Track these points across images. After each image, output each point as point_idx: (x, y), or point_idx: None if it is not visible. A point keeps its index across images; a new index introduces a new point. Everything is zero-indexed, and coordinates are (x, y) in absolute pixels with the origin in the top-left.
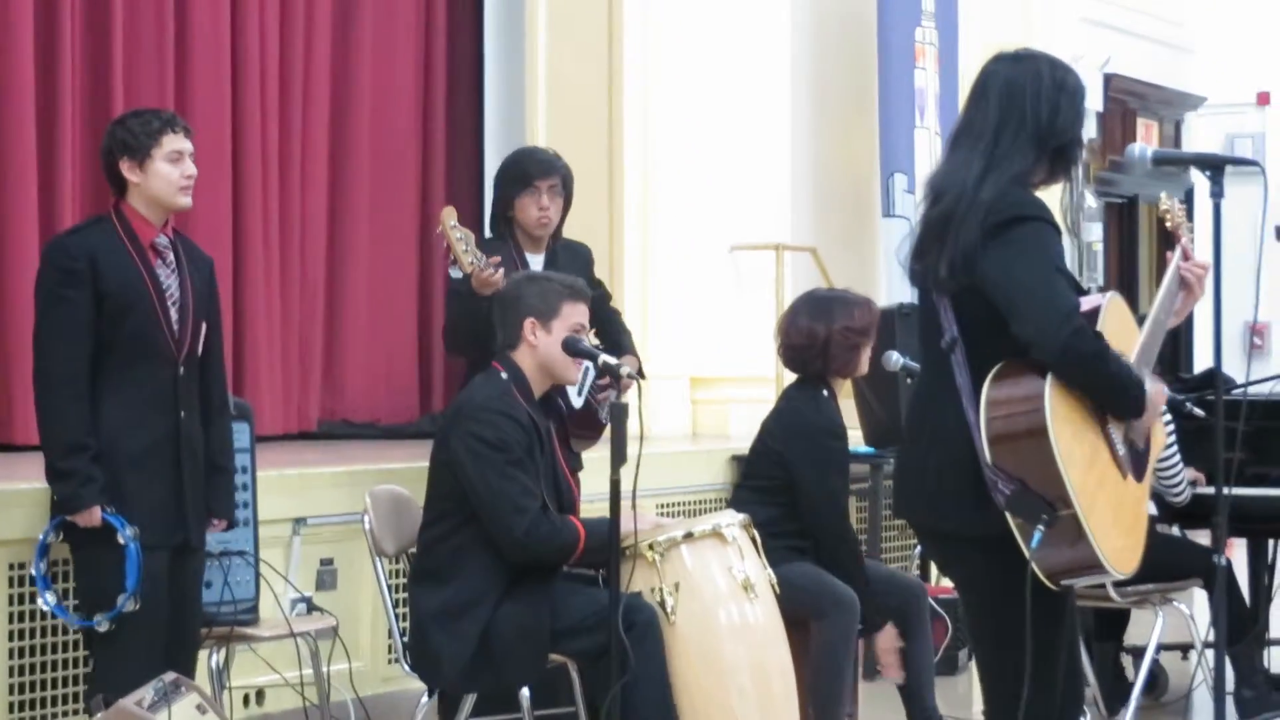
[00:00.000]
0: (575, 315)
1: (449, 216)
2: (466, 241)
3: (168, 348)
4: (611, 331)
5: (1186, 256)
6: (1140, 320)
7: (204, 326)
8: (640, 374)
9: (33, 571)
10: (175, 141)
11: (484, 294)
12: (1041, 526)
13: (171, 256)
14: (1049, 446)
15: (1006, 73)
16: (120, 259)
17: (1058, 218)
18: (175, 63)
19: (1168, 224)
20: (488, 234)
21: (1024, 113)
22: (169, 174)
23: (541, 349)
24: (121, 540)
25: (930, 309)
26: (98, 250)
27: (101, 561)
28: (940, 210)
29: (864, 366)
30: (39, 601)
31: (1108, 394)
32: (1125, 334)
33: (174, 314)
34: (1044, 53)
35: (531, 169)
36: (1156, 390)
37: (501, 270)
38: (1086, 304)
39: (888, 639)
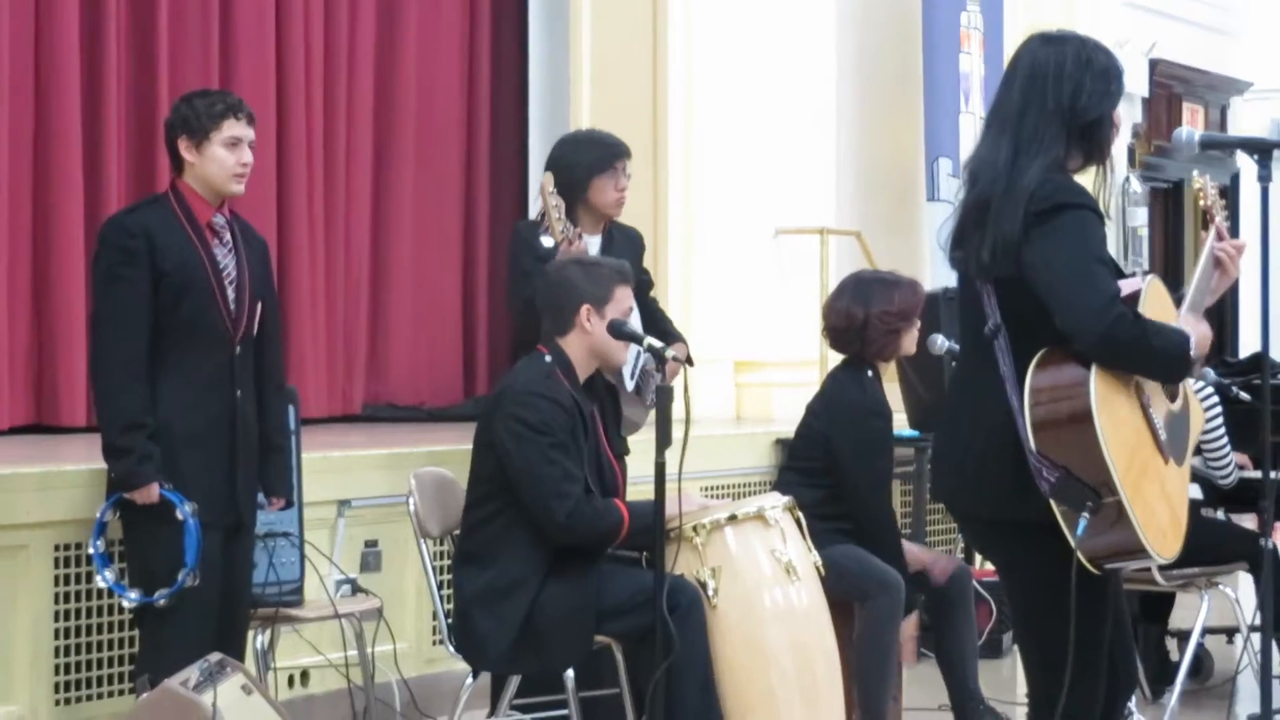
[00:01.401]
0: (626, 299)
1: (549, 182)
2: (560, 209)
3: (224, 327)
4: (658, 320)
5: (1220, 236)
6: (1178, 301)
7: (260, 306)
8: (689, 360)
9: (90, 550)
10: (235, 127)
11: None
12: (1086, 514)
13: (228, 236)
14: (1093, 433)
15: (1035, 53)
16: (177, 238)
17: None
18: (220, 49)
19: (1201, 204)
20: (532, 215)
21: (1046, 94)
22: (224, 159)
23: (596, 335)
24: (180, 516)
25: (971, 295)
26: (155, 229)
27: (159, 538)
28: (976, 195)
29: (907, 348)
30: (97, 580)
31: (1160, 370)
32: (1164, 315)
33: (231, 294)
34: (1079, 34)
35: (612, 150)
36: (1201, 334)
37: (584, 240)
38: (1126, 287)
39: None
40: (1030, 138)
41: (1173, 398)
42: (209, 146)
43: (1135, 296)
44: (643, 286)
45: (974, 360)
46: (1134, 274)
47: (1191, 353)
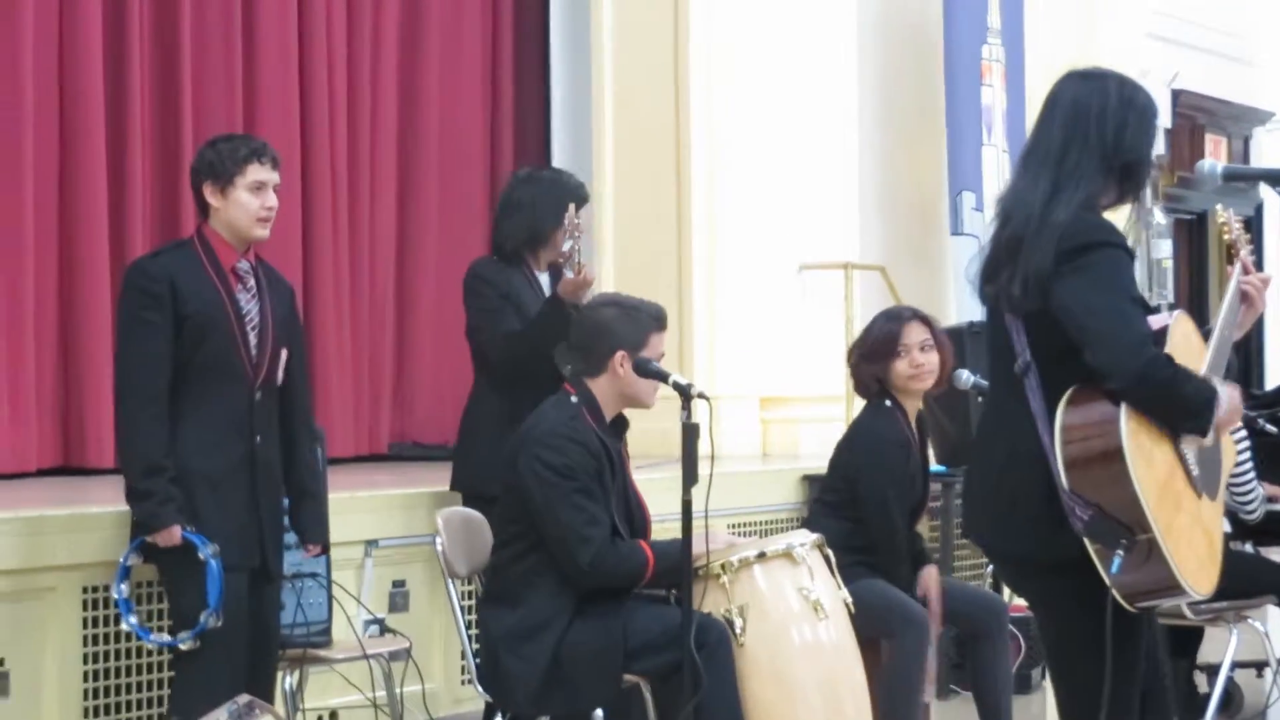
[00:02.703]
0: (660, 345)
1: (572, 210)
2: (579, 244)
3: (245, 372)
4: None
5: (1246, 270)
6: (1206, 335)
7: (284, 353)
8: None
9: (114, 595)
10: (260, 172)
11: (576, 300)
12: (1121, 551)
13: (252, 282)
14: (1125, 471)
15: (1074, 91)
16: (201, 282)
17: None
18: (244, 83)
19: (1225, 237)
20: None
21: (1089, 131)
22: (248, 204)
23: (626, 380)
24: (202, 557)
25: (1000, 330)
26: (178, 273)
27: (183, 581)
28: (1010, 231)
29: (900, 376)
30: (122, 624)
31: (1183, 417)
32: (1190, 350)
33: (253, 339)
34: (1115, 71)
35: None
36: (1232, 396)
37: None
38: (1154, 323)
39: (929, 577)
40: (1070, 175)
41: (1204, 433)
42: (233, 191)
43: (1163, 332)
44: None
45: (1003, 397)
46: (1158, 307)
47: (1218, 411)
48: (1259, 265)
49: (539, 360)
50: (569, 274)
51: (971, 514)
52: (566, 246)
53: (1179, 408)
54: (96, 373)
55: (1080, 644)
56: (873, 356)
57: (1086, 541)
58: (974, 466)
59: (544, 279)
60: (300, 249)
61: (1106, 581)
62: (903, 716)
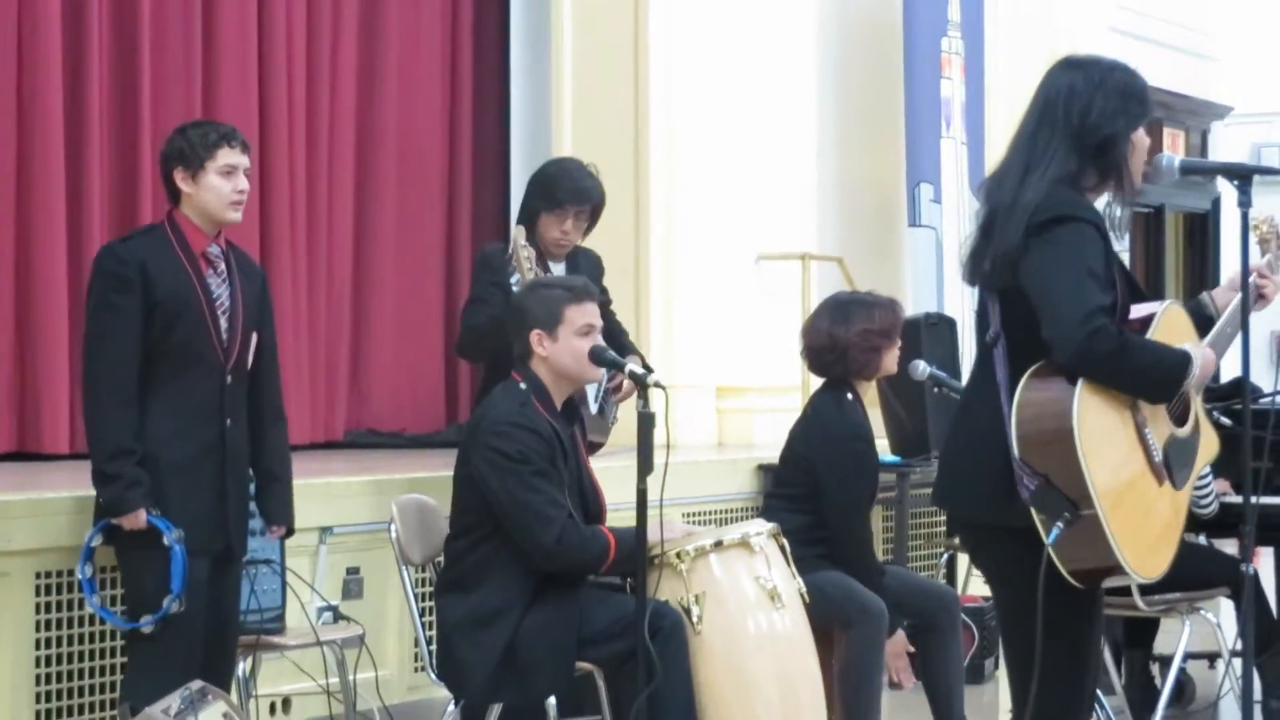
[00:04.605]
0: (581, 317)
1: (520, 235)
2: (531, 260)
3: (215, 357)
4: (616, 334)
5: (1262, 275)
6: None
7: (255, 337)
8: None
9: (78, 575)
10: (230, 155)
11: None
12: (1060, 524)
13: (223, 266)
14: (1073, 451)
15: (1052, 78)
16: (171, 267)
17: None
18: (203, 79)
19: (1256, 236)
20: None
21: (1057, 114)
22: (220, 187)
23: (552, 358)
24: (166, 543)
25: (981, 305)
26: (149, 258)
27: (147, 565)
28: (988, 212)
29: (888, 367)
30: (87, 605)
31: (1138, 386)
32: (1180, 341)
33: (223, 323)
34: (1101, 57)
35: (563, 195)
36: (1206, 357)
37: None
38: (1141, 311)
39: (895, 644)
40: (1040, 155)
41: (1180, 422)
42: (204, 176)
43: (1148, 320)
44: (600, 305)
45: (978, 369)
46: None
47: (1190, 376)
48: (1214, 257)
49: (493, 357)
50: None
51: (939, 480)
52: (526, 269)
53: (1134, 379)
54: (52, 358)
55: (1031, 616)
56: (876, 345)
57: (1033, 511)
58: (949, 436)
59: (559, 268)
60: (257, 239)
61: (1047, 549)
62: (858, 707)
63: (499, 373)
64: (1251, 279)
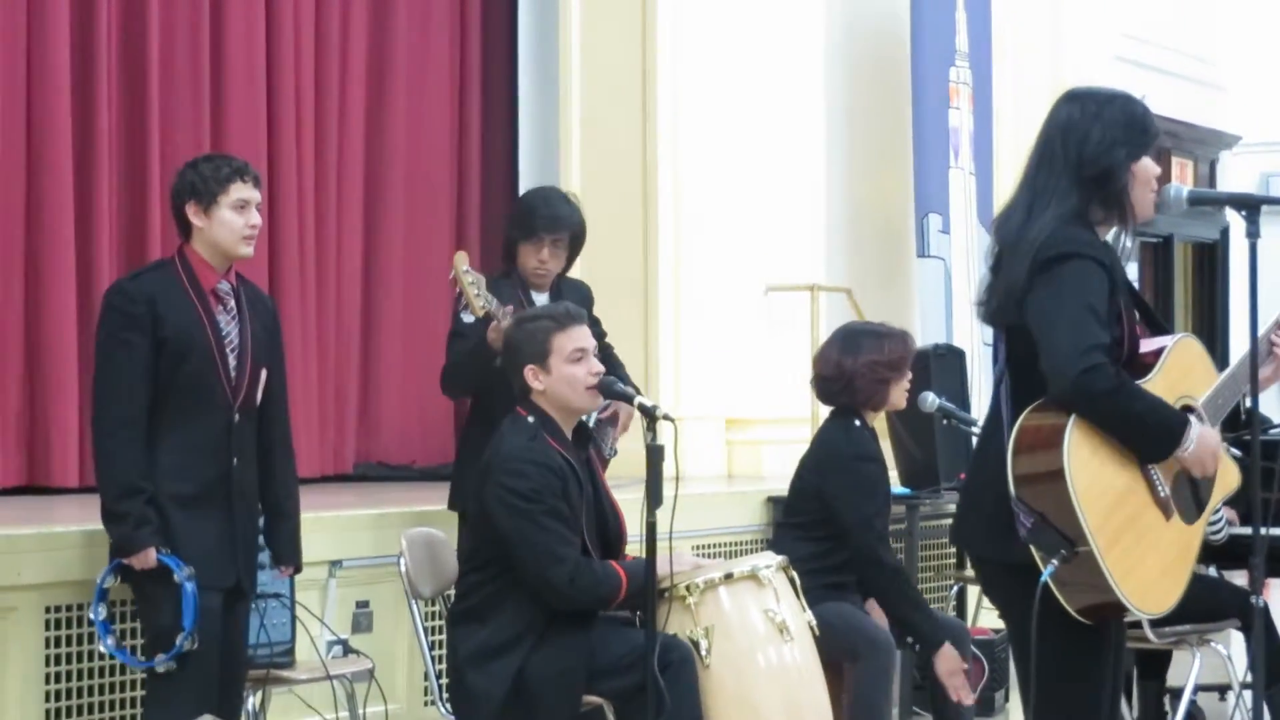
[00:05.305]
0: (570, 343)
1: (461, 261)
2: (479, 285)
3: (223, 395)
4: (614, 367)
5: None
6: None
7: (264, 373)
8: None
9: (92, 616)
10: (243, 190)
11: (496, 348)
12: (1055, 561)
13: (233, 303)
14: (1065, 489)
15: (1053, 111)
16: (180, 304)
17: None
18: (211, 105)
19: None
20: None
21: (1055, 149)
22: (233, 222)
23: (549, 390)
24: (177, 580)
25: (995, 341)
26: (158, 295)
27: (160, 602)
28: (997, 250)
29: (896, 400)
30: (99, 645)
31: (1126, 432)
32: (1190, 378)
33: (232, 361)
34: (1101, 88)
35: (538, 223)
36: (1206, 437)
37: (510, 317)
38: (1151, 345)
39: (948, 661)
40: (1042, 192)
41: (1157, 460)
42: (217, 210)
43: (1157, 354)
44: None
45: (992, 404)
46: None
47: (1184, 443)
48: (1224, 288)
49: (474, 392)
50: (465, 317)
51: (956, 516)
52: (457, 290)
53: (1126, 425)
54: (62, 392)
55: (1038, 650)
56: (884, 377)
57: (1031, 548)
58: (968, 471)
59: (543, 299)
60: (266, 271)
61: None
62: None
63: (483, 407)
64: (1266, 333)
